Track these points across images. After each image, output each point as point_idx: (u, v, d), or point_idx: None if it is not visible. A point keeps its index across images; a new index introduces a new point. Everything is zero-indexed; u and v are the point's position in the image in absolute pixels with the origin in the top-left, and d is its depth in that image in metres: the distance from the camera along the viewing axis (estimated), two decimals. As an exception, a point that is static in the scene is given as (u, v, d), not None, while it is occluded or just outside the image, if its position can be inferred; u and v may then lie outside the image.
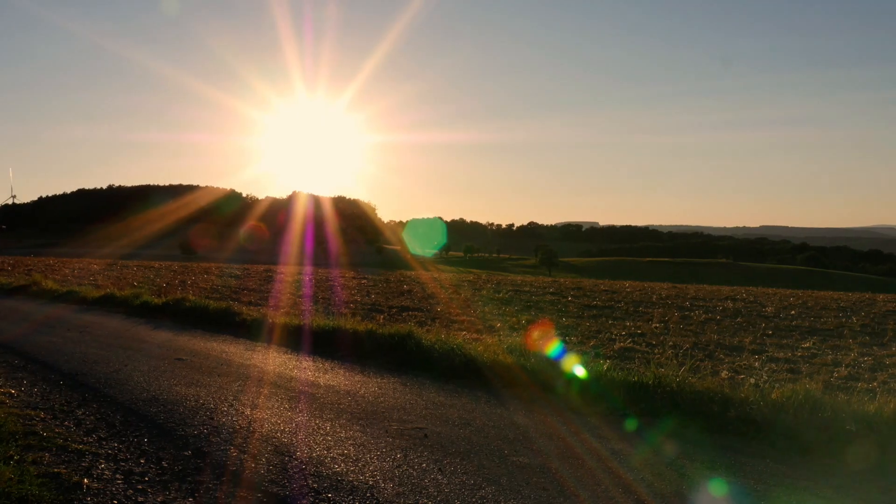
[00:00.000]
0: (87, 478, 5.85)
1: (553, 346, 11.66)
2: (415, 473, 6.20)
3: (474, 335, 13.33)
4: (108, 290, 21.63)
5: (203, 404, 8.48)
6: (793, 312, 19.52)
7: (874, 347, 13.47)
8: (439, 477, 6.12)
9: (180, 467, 6.22)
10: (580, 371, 9.53)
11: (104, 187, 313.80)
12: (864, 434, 6.97)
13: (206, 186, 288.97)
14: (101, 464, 6.23)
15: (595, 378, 9.25)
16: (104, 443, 6.87)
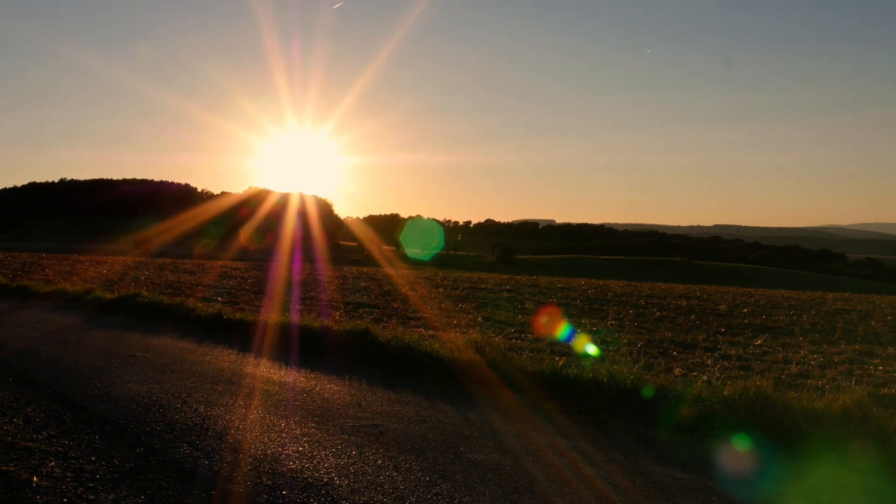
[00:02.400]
0: (36, 476, 5.75)
1: (509, 344, 11.70)
2: (370, 470, 6.18)
3: (431, 332, 13.33)
4: (60, 285, 21.29)
5: (156, 401, 8.39)
6: (745, 310, 19.79)
7: (824, 345, 13.70)
8: (394, 474, 6.11)
9: (132, 465, 6.14)
10: (535, 368, 9.58)
11: (56, 181, 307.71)
12: (813, 430, 7.09)
13: (161, 181, 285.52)
14: (51, 462, 6.12)
15: (550, 375, 9.30)
16: (54, 440, 6.76)
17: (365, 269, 39.62)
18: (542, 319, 16.26)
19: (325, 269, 36.50)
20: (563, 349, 12.10)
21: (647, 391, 8.42)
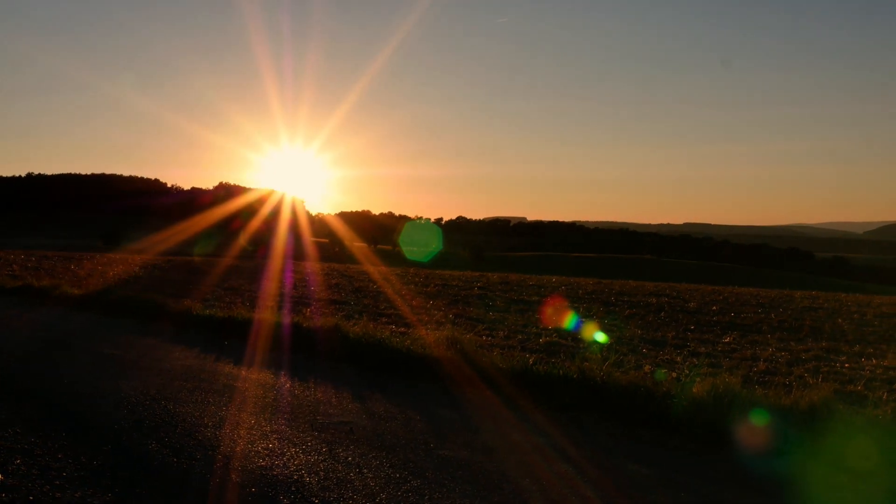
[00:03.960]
0: (1, 473, 5.68)
1: (479, 340, 11.72)
2: (340, 467, 6.17)
3: (402, 329, 13.32)
4: (26, 280, 21.05)
5: (125, 398, 8.32)
6: (714, 308, 19.93)
7: (791, 343, 13.82)
8: (365, 471, 6.10)
9: (99, 462, 6.08)
10: (506, 365, 9.60)
11: (23, 175, 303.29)
12: (779, 426, 7.16)
13: (130, 176, 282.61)
14: (16, 459, 6.06)
15: (521, 372, 9.33)
16: (20, 438, 6.68)
17: (336, 266, 39.51)
18: (512, 318, 16.30)
19: (294, 266, 36.34)
20: (533, 346, 12.13)
21: (617, 388, 8.47)
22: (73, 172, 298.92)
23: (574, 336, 13.60)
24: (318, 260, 43.90)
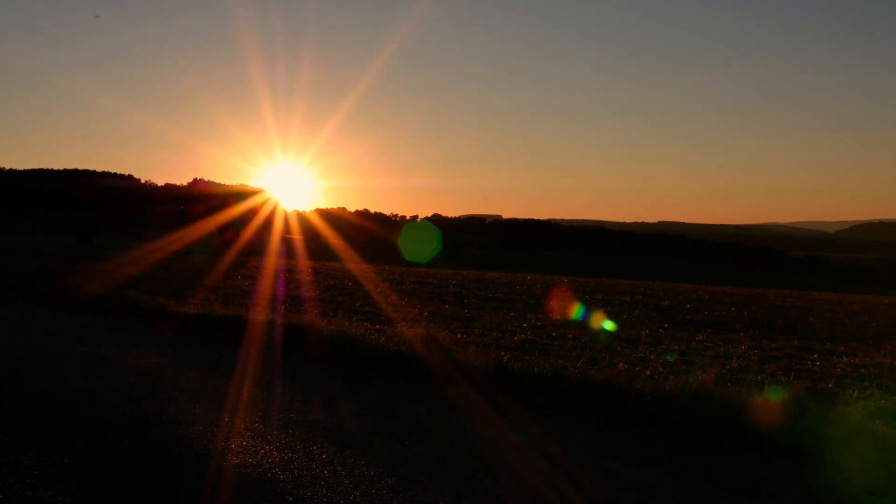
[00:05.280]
0: (-30, 472, 5.63)
1: (455, 338, 11.72)
2: (314, 465, 6.15)
3: (377, 326, 13.29)
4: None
5: (98, 396, 8.26)
6: (688, 306, 20.06)
7: (764, 341, 13.94)
8: (339, 468, 6.09)
9: (71, 461, 6.03)
10: (481, 362, 9.62)
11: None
12: (750, 423, 7.23)
13: (104, 172, 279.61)
14: (-14, 457, 6.00)
15: (496, 369, 9.35)
16: (-10, 435, 6.62)
17: (309, 263, 39.34)
18: (487, 316, 16.32)
19: (268, 263, 36.13)
20: (508, 343, 12.14)
21: (592, 385, 8.50)
22: (44, 168, 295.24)
23: (548, 334, 13.62)
24: (294, 257, 43.58)
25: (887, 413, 7.52)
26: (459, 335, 12.75)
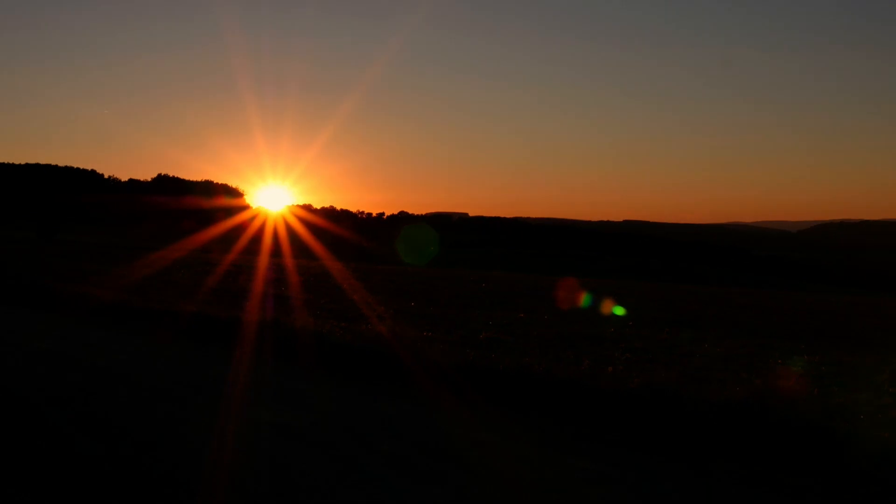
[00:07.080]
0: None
1: (421, 336, 11.71)
2: (281, 463, 6.12)
3: (343, 323, 13.24)
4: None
5: (60, 395, 8.17)
6: (654, 304, 20.19)
7: (727, 339, 14.05)
8: (304, 466, 6.06)
9: (36, 459, 5.95)
10: (447, 360, 9.60)
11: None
12: (714, 420, 7.29)
13: (66, 166, 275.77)
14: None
15: (463, 367, 9.34)
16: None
17: (275, 260, 39.12)
18: (453, 313, 16.32)
19: (237, 259, 35.91)
20: (474, 341, 12.14)
21: (556, 382, 8.53)
22: (3, 162, 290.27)
23: (514, 332, 13.64)
24: (256, 253, 43.27)
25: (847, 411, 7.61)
26: (426, 333, 12.73)
